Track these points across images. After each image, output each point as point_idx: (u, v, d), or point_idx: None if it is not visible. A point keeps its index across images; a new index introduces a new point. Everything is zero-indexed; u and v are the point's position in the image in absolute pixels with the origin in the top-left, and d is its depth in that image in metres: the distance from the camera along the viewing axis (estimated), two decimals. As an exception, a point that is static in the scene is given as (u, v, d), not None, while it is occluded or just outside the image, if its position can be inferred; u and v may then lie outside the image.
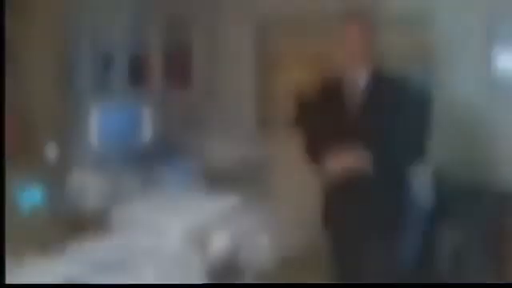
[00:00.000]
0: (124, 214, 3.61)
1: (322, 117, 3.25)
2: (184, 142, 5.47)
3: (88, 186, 3.62)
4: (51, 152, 3.53)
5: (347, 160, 2.99)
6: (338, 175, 3.03)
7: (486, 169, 4.57)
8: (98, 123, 4.00)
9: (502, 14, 4.52)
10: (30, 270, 2.83)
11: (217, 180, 5.33)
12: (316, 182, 3.34)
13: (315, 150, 3.21)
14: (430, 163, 4.57)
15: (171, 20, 5.85)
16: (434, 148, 4.84)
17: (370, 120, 3.05)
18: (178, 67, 5.88)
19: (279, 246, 3.48)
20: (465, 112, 4.71)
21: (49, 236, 3.43)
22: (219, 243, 3.00)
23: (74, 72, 6.66)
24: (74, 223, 3.51)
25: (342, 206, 3.19)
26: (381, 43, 3.22)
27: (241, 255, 3.34)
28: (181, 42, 5.85)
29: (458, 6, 4.70)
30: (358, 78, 3.14)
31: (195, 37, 5.66)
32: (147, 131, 4.11)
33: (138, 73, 6.12)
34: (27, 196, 3.08)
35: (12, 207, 3.13)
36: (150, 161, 4.55)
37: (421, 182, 4.36)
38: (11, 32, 6.35)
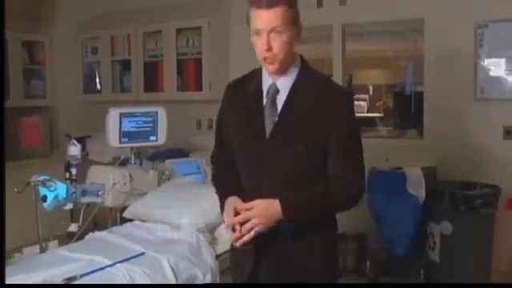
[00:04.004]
0: (140, 208, 3.62)
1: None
2: (196, 142, 5.48)
3: (107, 182, 3.62)
4: (74, 150, 3.52)
5: None
6: None
7: (473, 168, 4.57)
8: (117, 124, 4.00)
9: (489, 23, 4.52)
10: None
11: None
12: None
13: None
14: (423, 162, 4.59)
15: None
16: (426, 147, 4.87)
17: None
18: (191, 72, 5.90)
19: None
20: (453, 115, 4.71)
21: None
22: (227, 236, 3.00)
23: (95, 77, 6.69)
24: (94, 217, 3.53)
25: None
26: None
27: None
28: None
29: (446, 16, 4.70)
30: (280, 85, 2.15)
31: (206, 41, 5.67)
32: (162, 132, 4.11)
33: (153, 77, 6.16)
34: (52, 191, 3.09)
35: (38, 202, 3.15)
36: (164, 159, 4.56)
37: (415, 178, 4.36)
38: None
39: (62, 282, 2.44)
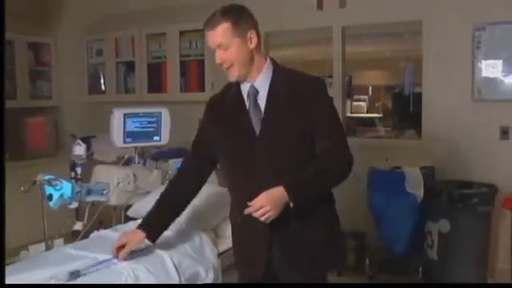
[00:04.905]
0: (144, 207, 3.62)
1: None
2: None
3: (111, 182, 3.63)
4: (79, 150, 3.53)
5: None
6: None
7: (471, 167, 4.57)
8: (121, 124, 4.00)
9: (487, 25, 4.51)
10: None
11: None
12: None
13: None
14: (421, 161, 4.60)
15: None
16: (424, 147, 4.87)
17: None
18: (194, 73, 5.91)
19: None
20: (451, 115, 4.70)
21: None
22: (227, 233, 2.99)
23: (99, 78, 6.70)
24: (98, 215, 3.53)
25: None
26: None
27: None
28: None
29: (444, 19, 4.70)
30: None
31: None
32: (165, 132, 4.11)
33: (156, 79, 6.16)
34: (58, 190, 3.09)
35: (44, 201, 3.15)
36: (167, 158, 4.56)
37: (414, 177, 4.36)
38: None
39: (65, 278, 2.44)
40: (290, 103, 2.25)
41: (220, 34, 2.23)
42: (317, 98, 2.28)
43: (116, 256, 2.56)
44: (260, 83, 2.30)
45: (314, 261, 2.34)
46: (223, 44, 2.23)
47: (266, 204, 2.11)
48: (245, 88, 2.33)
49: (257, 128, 2.28)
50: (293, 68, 2.42)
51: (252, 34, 2.26)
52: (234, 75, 2.29)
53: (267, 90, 2.29)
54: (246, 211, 2.16)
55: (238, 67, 2.27)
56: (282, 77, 2.32)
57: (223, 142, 2.38)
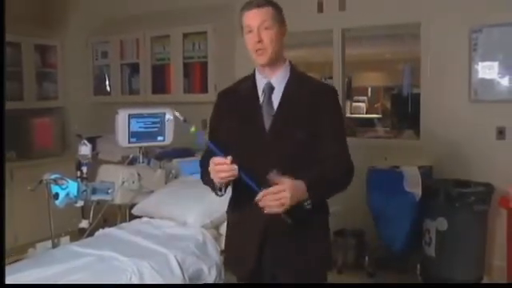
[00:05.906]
0: (148, 206, 3.63)
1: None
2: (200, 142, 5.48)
3: (116, 181, 3.63)
4: (85, 150, 3.54)
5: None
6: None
7: (468, 167, 4.57)
8: (126, 124, 4.01)
9: (483, 27, 4.51)
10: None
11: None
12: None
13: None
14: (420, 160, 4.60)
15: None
16: (423, 147, 4.87)
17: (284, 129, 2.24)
18: (197, 74, 5.92)
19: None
20: (449, 116, 4.70)
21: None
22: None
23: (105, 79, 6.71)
24: (103, 213, 3.54)
25: None
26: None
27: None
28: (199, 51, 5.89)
29: (442, 21, 4.70)
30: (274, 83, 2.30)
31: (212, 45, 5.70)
32: (169, 132, 4.12)
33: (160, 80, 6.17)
34: (64, 189, 3.10)
35: (50, 199, 3.16)
36: (171, 158, 4.57)
37: (412, 177, 4.37)
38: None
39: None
40: (303, 104, 2.24)
41: (265, 13, 2.21)
42: (329, 103, 2.28)
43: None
44: (277, 81, 2.28)
45: (302, 263, 2.26)
46: (266, 23, 2.20)
47: (288, 191, 2.00)
48: (260, 84, 2.30)
49: (267, 124, 2.24)
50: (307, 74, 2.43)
51: (286, 27, 2.29)
52: (265, 57, 2.23)
53: (283, 88, 2.28)
54: (263, 193, 2.02)
55: (272, 50, 2.22)
56: (298, 78, 2.33)
57: (233, 133, 2.31)
